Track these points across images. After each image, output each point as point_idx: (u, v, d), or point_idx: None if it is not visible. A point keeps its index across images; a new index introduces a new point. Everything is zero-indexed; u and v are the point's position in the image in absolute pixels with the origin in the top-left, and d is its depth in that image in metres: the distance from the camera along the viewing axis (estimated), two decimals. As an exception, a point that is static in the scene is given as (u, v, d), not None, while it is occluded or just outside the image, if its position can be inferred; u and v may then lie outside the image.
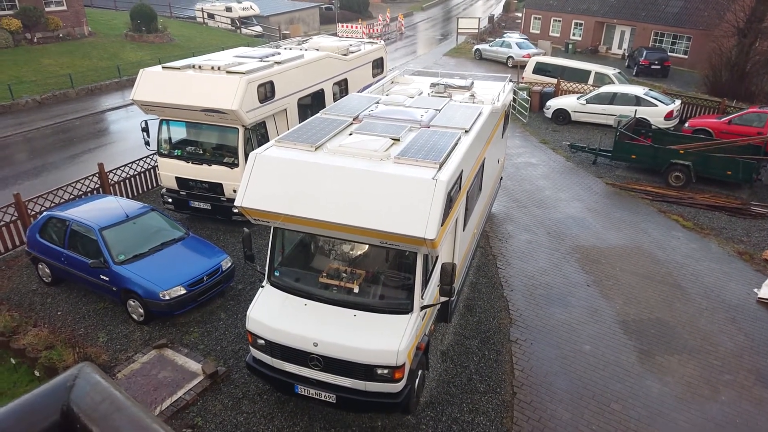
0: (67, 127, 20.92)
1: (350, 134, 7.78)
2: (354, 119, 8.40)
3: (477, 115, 8.92)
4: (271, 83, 11.92)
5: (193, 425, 7.42)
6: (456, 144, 7.56)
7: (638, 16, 35.21)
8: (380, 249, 7.31)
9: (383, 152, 7.09)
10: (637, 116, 18.51)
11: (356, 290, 7.20)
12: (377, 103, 9.38)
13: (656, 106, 19.86)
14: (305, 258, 8.11)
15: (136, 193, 14.18)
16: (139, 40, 32.97)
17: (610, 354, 9.14)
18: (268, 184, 6.94)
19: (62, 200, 12.18)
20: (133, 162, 14.29)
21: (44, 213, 10.76)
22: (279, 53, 13.70)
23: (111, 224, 9.76)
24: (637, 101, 20.05)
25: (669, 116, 19.79)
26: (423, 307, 7.20)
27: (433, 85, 11.15)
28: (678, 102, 20.66)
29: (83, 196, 12.40)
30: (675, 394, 8.32)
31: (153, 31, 33.63)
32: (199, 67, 11.89)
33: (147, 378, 7.98)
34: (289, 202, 6.78)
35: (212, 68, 11.74)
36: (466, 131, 8.17)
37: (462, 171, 7.47)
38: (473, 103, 10.05)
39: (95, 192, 12.95)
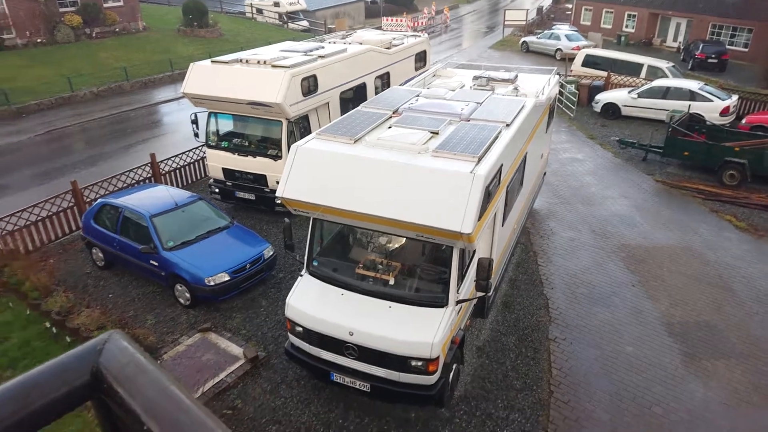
0: (121, 119, 21.84)
1: (389, 127, 7.83)
2: (394, 112, 8.44)
3: (519, 109, 8.80)
4: (315, 77, 12.09)
5: (233, 407, 7.69)
6: (496, 138, 7.49)
7: (695, 8, 33.62)
8: (417, 242, 7.34)
9: (421, 145, 7.11)
10: (690, 111, 17.76)
11: (392, 282, 7.27)
12: (418, 96, 9.38)
13: (711, 101, 19.01)
14: (343, 249, 8.24)
15: (185, 183, 14.69)
16: (191, 34, 33.97)
17: (653, 356, 8.88)
18: (308, 175, 7.08)
19: (116, 188, 12.76)
20: (182, 153, 14.80)
21: (98, 200, 11.31)
22: (323, 47, 13.87)
23: (161, 212, 10.17)
24: (692, 96, 19.24)
25: (725, 112, 18.89)
26: (458, 302, 7.20)
27: (475, 78, 11.05)
28: (735, 97, 19.68)
29: (136, 185, 12.95)
30: (720, 400, 8.03)
31: (204, 26, 34.57)
32: (246, 61, 12.18)
33: (191, 360, 8.31)
34: (328, 194, 6.90)
35: (258, 62, 12.01)
36: (507, 125, 8.08)
37: (502, 165, 7.40)
38: (516, 96, 9.91)
39: (147, 181, 13.50)
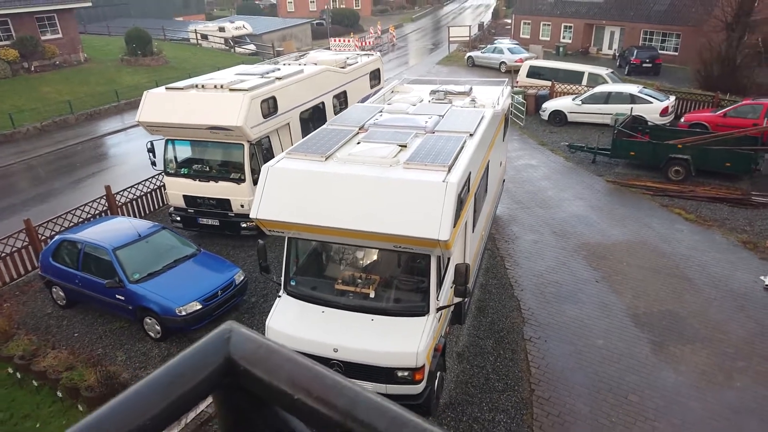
0: (69, 153, 21.11)
1: (358, 143, 7.95)
2: (360, 128, 8.58)
3: (480, 119, 9.10)
4: (274, 98, 12.11)
5: (217, 437, 7.50)
6: (462, 147, 7.73)
7: (626, 16, 35.65)
8: (394, 253, 7.44)
9: (392, 158, 7.26)
10: (633, 114, 18.74)
11: (372, 295, 7.32)
12: (381, 112, 9.57)
13: (651, 103, 20.11)
14: (320, 266, 8.24)
15: (143, 214, 14.31)
16: (135, 63, 33.28)
17: (623, 347, 9.24)
18: (281, 195, 7.09)
19: (71, 224, 12.30)
20: (139, 183, 14.44)
21: (56, 237, 10.89)
22: (279, 69, 13.92)
23: (124, 244, 9.89)
24: (632, 99, 20.31)
25: (664, 113, 20.02)
26: (439, 309, 7.32)
27: (433, 92, 11.36)
28: (672, 98, 20.92)
29: (91, 219, 12.53)
30: (690, 383, 8.43)
31: (148, 54, 33.95)
32: (202, 86, 12.08)
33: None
34: (303, 212, 6.93)
35: (215, 86, 11.93)
36: (471, 135, 8.35)
37: (470, 173, 7.63)
38: (474, 107, 10.24)
39: (103, 214, 13.08)
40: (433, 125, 8.65)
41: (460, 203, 6.88)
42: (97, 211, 13.00)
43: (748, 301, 10.39)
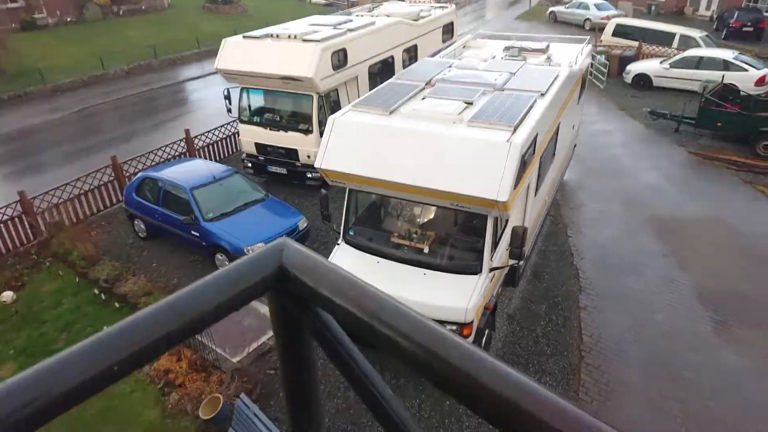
0: (151, 96, 22.25)
1: (423, 98, 7.95)
2: (427, 84, 8.54)
3: (553, 78, 8.81)
4: (344, 51, 12.18)
5: (275, 367, 8.07)
6: (531, 107, 7.56)
7: (732, -27, 32.36)
8: (451, 211, 7.51)
9: (456, 115, 7.23)
10: (724, 82, 17.35)
11: (426, 250, 7.47)
12: (450, 67, 9.44)
13: (746, 71, 18.51)
14: (378, 219, 8.45)
15: (218, 158, 15.03)
16: (216, 11, 34.12)
17: (684, 324, 8.98)
18: (345, 147, 7.27)
19: (153, 163, 13.15)
20: (215, 129, 15.10)
21: (140, 174, 11.72)
22: (351, 21, 13.90)
23: (200, 185, 10.50)
24: (726, 66, 18.75)
25: (760, 82, 18.38)
26: (492, 269, 7.38)
27: (506, 48, 11.02)
28: (773, 66, 19.12)
29: (172, 160, 13.33)
30: (752, 367, 8.12)
31: (228, 3, 34.67)
32: (277, 36, 12.31)
33: (234, 324, 8.69)
34: (365, 165, 7.09)
35: (289, 37, 12.12)
36: (542, 94, 8.12)
37: (537, 135, 7.48)
38: (549, 66, 9.88)
39: (182, 156, 13.86)
40: (502, 82, 8.47)
41: (523, 165, 6.80)
42: (176, 153, 13.80)
43: (830, 290, 9.71)
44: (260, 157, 13.31)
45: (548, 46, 11.42)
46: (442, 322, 6.11)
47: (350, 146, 7.21)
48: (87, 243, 10.64)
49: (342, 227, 8.07)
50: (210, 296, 1.09)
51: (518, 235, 6.84)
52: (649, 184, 13.69)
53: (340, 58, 12.03)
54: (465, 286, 7.12)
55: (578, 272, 10.32)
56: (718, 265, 10.44)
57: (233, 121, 14.88)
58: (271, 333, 8.02)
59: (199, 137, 14.62)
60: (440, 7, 17.36)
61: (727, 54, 19.46)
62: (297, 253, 1.09)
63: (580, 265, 10.51)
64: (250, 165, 13.51)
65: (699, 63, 19.52)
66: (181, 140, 14.11)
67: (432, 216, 7.91)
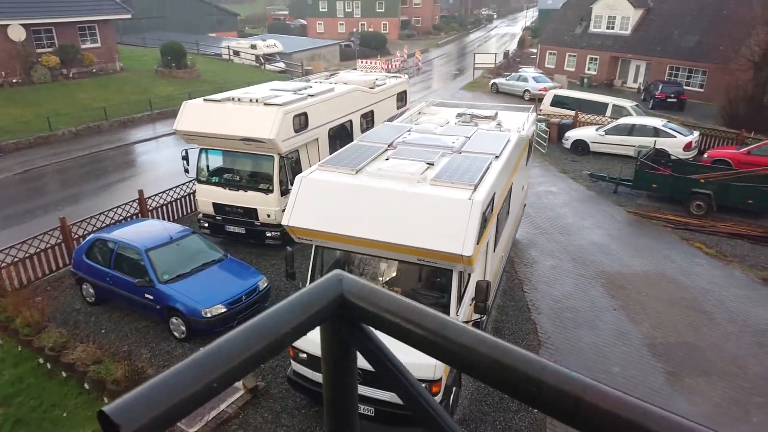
0: (101, 157, 21.82)
1: (387, 159, 8.26)
2: (389, 145, 8.90)
3: (506, 142, 9.37)
4: (306, 114, 12.55)
5: (237, 436, 7.70)
6: (488, 168, 7.98)
7: (653, 51, 35.89)
8: (416, 267, 7.66)
9: (420, 175, 7.54)
10: (656, 147, 18.86)
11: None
12: (409, 131, 9.90)
13: (675, 137, 20.22)
14: (344, 276, 8.48)
15: (172, 219, 14.75)
16: (169, 75, 34.35)
17: (639, 376, 9.28)
18: (312, 204, 7.40)
19: (103, 224, 12.77)
20: (170, 189, 14.92)
21: (91, 235, 11.33)
22: (311, 86, 14.41)
23: (156, 245, 10.27)
24: (656, 132, 20.44)
25: (688, 147, 20.10)
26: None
27: (459, 114, 11.68)
28: (696, 133, 20.99)
29: (123, 221, 12.99)
30: (704, 415, 8.43)
31: (182, 67, 35.04)
32: (238, 99, 12.58)
33: (192, 391, 8.31)
34: (332, 221, 7.22)
35: (250, 100, 12.41)
36: (497, 157, 8.61)
37: (494, 193, 7.87)
38: (500, 131, 10.52)
39: (134, 217, 13.53)
40: (460, 145, 8.94)
41: (484, 221, 7.11)
42: (129, 214, 13.47)
43: (766, 338, 10.35)
44: (217, 217, 13.21)
45: (497, 113, 12.19)
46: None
47: (317, 204, 7.34)
48: (32, 309, 10.05)
49: (308, 285, 8.02)
50: (285, 321, 1.17)
51: (482, 289, 7.04)
52: (594, 241, 14.43)
53: (301, 122, 12.37)
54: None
55: (536, 327, 10.57)
56: (665, 318, 10.97)
57: (188, 182, 14.80)
58: (230, 400, 7.72)
59: (152, 198, 14.38)
60: (393, 76, 18.29)
61: (656, 122, 21.26)
62: (355, 283, 1.21)
63: (537, 320, 10.79)
64: (206, 225, 13.36)
65: (631, 130, 21.19)
66: (133, 201, 13.83)
67: (397, 272, 8.03)
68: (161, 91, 31.16)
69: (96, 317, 10.68)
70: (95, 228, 12.55)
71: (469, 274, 7.91)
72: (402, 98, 17.95)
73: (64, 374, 8.66)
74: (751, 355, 9.86)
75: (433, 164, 8.06)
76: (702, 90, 33.14)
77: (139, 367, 8.53)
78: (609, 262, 13.30)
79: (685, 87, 32.40)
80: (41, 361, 9.02)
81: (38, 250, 11.68)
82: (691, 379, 9.23)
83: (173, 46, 35.18)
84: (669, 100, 30.24)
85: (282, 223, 7.56)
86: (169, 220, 14.61)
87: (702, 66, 33.24)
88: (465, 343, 1.10)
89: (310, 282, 7.17)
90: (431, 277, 7.82)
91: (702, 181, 16.01)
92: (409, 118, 11.92)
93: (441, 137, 9.47)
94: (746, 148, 18.89)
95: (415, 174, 7.56)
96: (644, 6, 37.67)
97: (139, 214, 13.73)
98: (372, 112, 15.67)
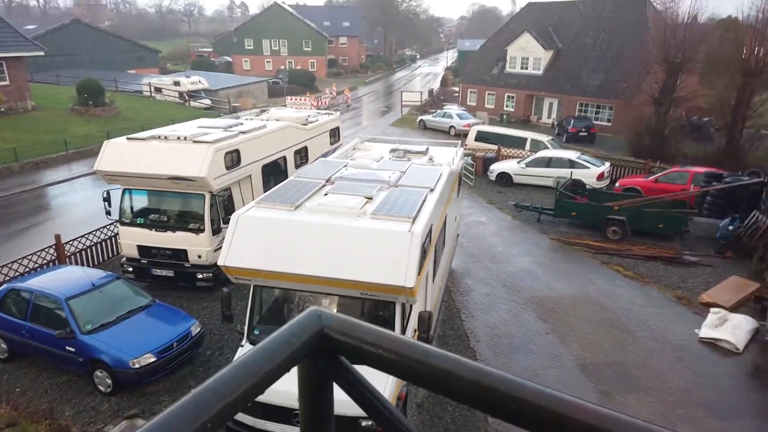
0: (12, 202, 20.30)
1: (326, 194, 8.30)
2: (327, 181, 8.96)
3: (438, 176, 9.69)
4: (237, 151, 12.38)
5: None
6: (424, 201, 8.21)
7: (563, 89, 38.64)
8: (358, 301, 7.66)
9: (359, 209, 7.63)
10: (573, 177, 20.11)
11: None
12: (346, 166, 10.02)
13: (588, 168, 21.69)
14: (284, 315, 8.31)
15: (93, 264, 13.86)
16: (86, 113, 32.82)
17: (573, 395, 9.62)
18: (250, 242, 7.26)
19: (17, 273, 11.81)
20: (89, 233, 14.08)
21: (4, 285, 10.44)
22: (242, 123, 14.28)
23: (77, 293, 9.61)
24: (571, 164, 21.83)
25: (600, 177, 21.60)
26: (402, 356, 7.50)
27: (393, 150, 11.98)
28: (607, 164, 22.64)
29: (38, 269, 12.08)
30: (637, 430, 8.84)
31: (100, 105, 33.63)
32: (165, 137, 12.22)
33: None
34: (272, 259, 7.11)
35: (178, 138, 12.10)
36: (431, 190, 8.88)
37: (432, 225, 8.08)
38: (433, 165, 10.88)
39: (51, 264, 12.62)
40: (396, 180, 9.15)
41: (424, 252, 7.27)
42: (45, 261, 12.55)
43: (685, 352, 11.11)
44: (143, 260, 12.60)
45: (428, 148, 12.60)
46: (358, 418, 6.01)
47: (256, 242, 7.22)
48: (-70, 370, 9.02)
49: (246, 327, 7.80)
50: (271, 358, 1.17)
51: (425, 319, 7.13)
52: (523, 268, 15.03)
53: (233, 159, 12.19)
54: (378, 378, 7.12)
55: (476, 354, 10.78)
56: (593, 339, 11.53)
57: (109, 224, 14.05)
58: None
59: (71, 243, 13.50)
60: (326, 113, 18.51)
61: (571, 154, 22.74)
62: (334, 317, 1.23)
63: (476, 348, 11.01)
64: (131, 269, 12.69)
65: (549, 162, 22.52)
66: (50, 247, 12.90)
67: (339, 308, 7.97)
68: (78, 130, 29.66)
69: (9, 374, 9.77)
70: (8, 278, 11.58)
71: (411, 306, 8.00)
72: (335, 134, 18.15)
73: (-30, 442, 7.79)
74: (672, 369, 10.53)
75: (371, 198, 8.19)
76: (610, 124, 35.92)
77: (63, 425, 7.84)
78: (538, 287, 13.87)
79: (594, 121, 35.03)
80: (-57, 429, 8.07)
81: (-62, 304, 10.57)
82: (621, 396, 9.70)
83: (90, 84, 33.74)
84: (581, 134, 32.51)
85: (218, 263, 7.35)
86: (89, 265, 13.73)
87: (608, 102, 36.13)
88: (448, 369, 1.15)
89: (249, 324, 7.01)
90: (374, 311, 7.83)
91: (616, 208, 17.20)
92: (345, 153, 12.08)
93: (377, 172, 9.65)
94: (653, 177, 20.56)
95: (355, 208, 7.64)
96: (554, 48, 40.64)
97: (57, 261, 12.82)
98: (306, 148, 15.71)
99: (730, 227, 16.03)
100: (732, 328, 11.41)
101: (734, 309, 12.40)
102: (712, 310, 12.24)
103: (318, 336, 1.24)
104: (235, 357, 7.16)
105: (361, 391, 1.33)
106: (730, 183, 17.53)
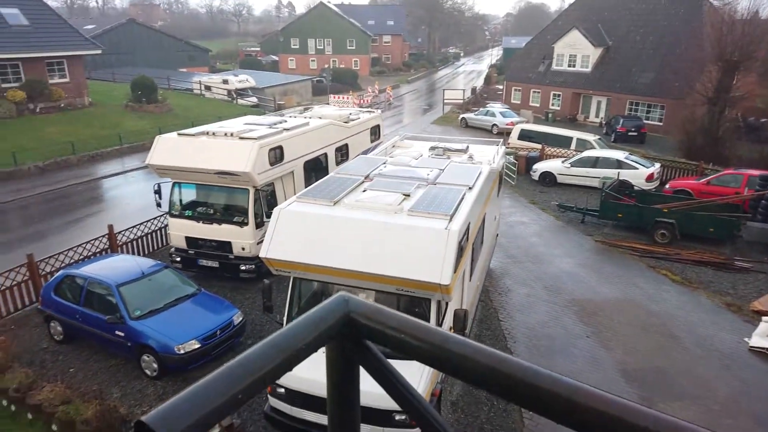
0: (68, 192, 21.38)
1: (364, 191, 8.40)
2: (366, 178, 9.06)
3: (478, 174, 9.64)
4: (281, 148, 12.66)
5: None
6: (462, 199, 8.19)
7: (613, 87, 37.53)
8: (394, 297, 7.72)
9: (397, 206, 7.69)
10: (620, 178, 19.56)
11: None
12: (385, 163, 10.10)
13: (637, 168, 21.04)
14: (321, 308, 8.47)
15: (143, 253, 14.49)
16: (140, 110, 34.18)
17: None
18: (291, 236, 7.44)
19: (72, 260, 12.47)
20: (140, 223, 14.70)
21: (60, 271, 11.05)
22: (285, 121, 14.58)
23: (127, 281, 10.07)
24: (619, 164, 21.23)
25: (650, 178, 20.91)
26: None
27: (432, 147, 11.98)
28: (657, 165, 21.89)
29: (92, 257, 12.70)
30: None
31: (153, 102, 34.94)
32: (213, 133, 12.63)
33: None
34: (311, 253, 7.26)
35: (225, 134, 12.49)
36: (470, 188, 8.85)
37: (469, 223, 8.06)
38: (472, 163, 10.82)
39: (104, 252, 13.26)
40: (434, 177, 9.17)
41: (461, 250, 7.26)
42: (98, 249, 13.19)
43: (733, 361, 10.67)
44: (190, 251, 13.06)
45: (468, 146, 12.54)
46: (392, 412, 6.07)
47: (296, 235, 7.39)
48: (-6, 349, 9.66)
49: (285, 317, 8.00)
50: (299, 337, 1.25)
51: (460, 317, 7.14)
52: (565, 269, 14.74)
53: (276, 155, 12.47)
54: (412, 373, 7.17)
55: (513, 355, 10.64)
56: (636, 343, 11.22)
57: (159, 216, 14.63)
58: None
59: (122, 233, 14.14)
60: (367, 111, 18.66)
61: (619, 154, 22.11)
62: (360, 303, 1.30)
63: (514, 349, 10.90)
64: (179, 259, 13.18)
65: (596, 162, 21.96)
66: (103, 236, 13.56)
67: (375, 302, 8.05)
68: (131, 125, 30.92)
69: (64, 356, 10.33)
70: (64, 264, 12.25)
71: (447, 303, 8.01)
72: (375, 132, 18.27)
73: (30, 416, 8.31)
74: (720, 377, 10.13)
75: (409, 195, 8.24)
76: (661, 123, 34.66)
77: (111, 406, 8.26)
78: (580, 289, 13.59)
79: (645, 121, 33.85)
80: (5, 403, 8.63)
81: (3, 287, 11.30)
82: (664, 404, 9.41)
83: (144, 81, 35.11)
84: (630, 133, 31.51)
85: (260, 255, 7.56)
86: (140, 254, 14.35)
87: (659, 101, 34.87)
88: (466, 354, 1.20)
89: (288, 315, 7.19)
90: (410, 306, 7.87)
91: (665, 210, 16.63)
92: (384, 151, 12.16)
93: (416, 169, 9.69)
94: (706, 179, 19.76)
95: (393, 205, 7.71)
96: (603, 45, 39.52)
97: (109, 250, 13.46)
98: (346, 145, 15.89)
99: (788, 233, 15.25)
100: (786, 338, 10.89)
101: (789, 318, 11.81)
102: (763, 318, 11.68)
103: (344, 320, 1.31)
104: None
105: (385, 375, 1.41)
106: (788, 186, 16.66)
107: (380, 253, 7.01)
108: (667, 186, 20.74)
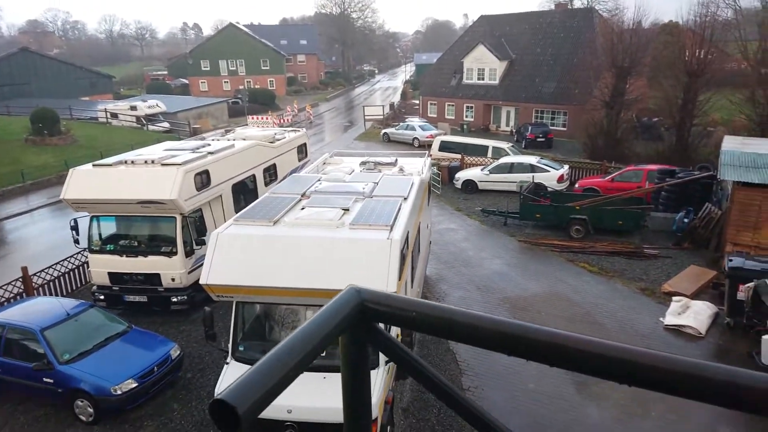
0: (-33, 237, 19.60)
1: (302, 209, 8.47)
2: (302, 195, 9.12)
3: (410, 185, 9.99)
4: (207, 172, 12.41)
5: None
6: (399, 209, 8.48)
7: (519, 98, 39.85)
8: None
9: (338, 220, 7.83)
10: (535, 181, 20.80)
11: (323, 354, 7.57)
12: (319, 180, 10.21)
13: (549, 171, 22.46)
14: (268, 329, 8.39)
15: (62, 294, 13.55)
16: (42, 143, 31.96)
17: (552, 389, 9.99)
18: (232, 259, 7.35)
19: (-19, 309, 11.44)
20: (57, 263, 13.77)
21: (-29, 321, 10.11)
22: (209, 144, 14.30)
23: (52, 324, 9.45)
24: (532, 168, 22.57)
25: (561, 179, 22.39)
26: (387, 361, 7.70)
27: (363, 162, 12.24)
28: (566, 167, 23.49)
29: (6, 303, 11.75)
30: (613, 417, 9.27)
31: (56, 134, 32.81)
32: (132, 162, 12.16)
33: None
34: (254, 275, 7.22)
35: (146, 162, 12.06)
36: (405, 198, 9.16)
37: (407, 232, 8.34)
38: (404, 175, 11.18)
39: (18, 297, 12.29)
40: (370, 191, 9.40)
41: (402, 258, 7.51)
42: (12, 294, 12.21)
43: (652, 340, 11.65)
44: (114, 288, 12.41)
45: (396, 159, 12.93)
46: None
47: (237, 258, 7.32)
48: None
49: (230, 344, 7.85)
50: (323, 327, 1.40)
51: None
52: (495, 270, 15.45)
53: (203, 180, 12.21)
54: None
55: (455, 357, 11.04)
56: (566, 333, 11.95)
57: (79, 253, 13.79)
58: None
59: (38, 274, 13.18)
60: (292, 130, 18.67)
61: (532, 159, 23.51)
62: (370, 291, 1.46)
63: (455, 350, 11.27)
64: (102, 297, 12.48)
65: (511, 168, 23.21)
66: (16, 280, 12.57)
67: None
68: (33, 160, 28.86)
69: (-19, 414, 9.46)
70: (-29, 314, 11.21)
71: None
72: (302, 150, 18.32)
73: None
74: (641, 356, 11.01)
75: (348, 210, 8.40)
76: (565, 128, 37.18)
77: (44, 459, 7.68)
78: (510, 287, 14.29)
79: (551, 127, 36.19)
80: None
81: None
82: (596, 387, 10.11)
83: (44, 113, 32.92)
84: (538, 139, 33.55)
85: (200, 281, 7.40)
86: (59, 296, 13.42)
87: (562, 108, 37.44)
88: (467, 322, 1.40)
89: (233, 341, 7.10)
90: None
91: (578, 208, 17.89)
92: (316, 168, 12.26)
93: (351, 184, 9.88)
94: (610, 177, 21.46)
95: (334, 220, 7.84)
96: (508, 58, 41.92)
97: (24, 294, 12.49)
98: (274, 165, 15.82)
99: (685, 220, 16.91)
100: (694, 314, 12.05)
101: (695, 296, 13.08)
102: (674, 298, 12.87)
103: (359, 307, 1.47)
104: (221, 375, 7.24)
105: (395, 351, 1.57)
106: (682, 178, 18.49)
107: (326, 268, 7.10)
108: (576, 185, 22.30)
